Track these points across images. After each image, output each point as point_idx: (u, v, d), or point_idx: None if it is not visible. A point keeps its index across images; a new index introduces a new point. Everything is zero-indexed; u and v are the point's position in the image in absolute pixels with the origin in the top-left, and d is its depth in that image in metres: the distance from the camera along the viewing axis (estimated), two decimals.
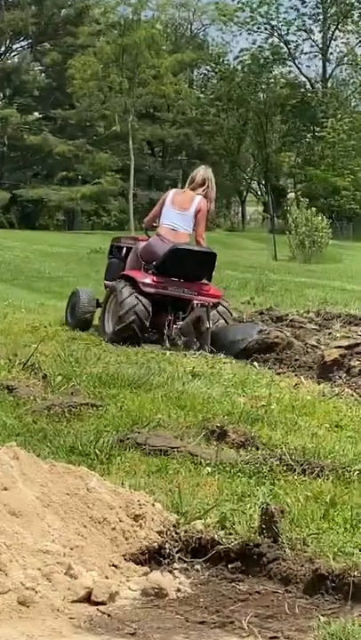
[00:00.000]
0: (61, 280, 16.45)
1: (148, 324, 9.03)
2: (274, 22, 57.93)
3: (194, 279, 9.36)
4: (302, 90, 59.42)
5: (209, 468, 4.67)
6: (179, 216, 9.52)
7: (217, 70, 61.67)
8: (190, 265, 9.29)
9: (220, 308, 9.29)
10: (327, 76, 60.41)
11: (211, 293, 9.35)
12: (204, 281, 9.49)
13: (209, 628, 3.14)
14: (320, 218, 32.20)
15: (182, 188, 10.03)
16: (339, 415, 6.08)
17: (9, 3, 54.27)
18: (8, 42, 55.15)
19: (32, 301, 12.39)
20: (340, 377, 7.51)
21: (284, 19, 57.98)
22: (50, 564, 3.33)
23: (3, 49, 55.65)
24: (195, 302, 8.98)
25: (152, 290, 9.12)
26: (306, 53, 63.18)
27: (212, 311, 8.99)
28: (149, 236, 9.83)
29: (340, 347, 7.96)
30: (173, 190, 10.06)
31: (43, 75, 56.66)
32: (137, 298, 8.99)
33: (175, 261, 9.23)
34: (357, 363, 7.78)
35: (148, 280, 9.15)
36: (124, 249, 10.31)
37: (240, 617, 3.17)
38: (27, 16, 51.11)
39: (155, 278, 9.20)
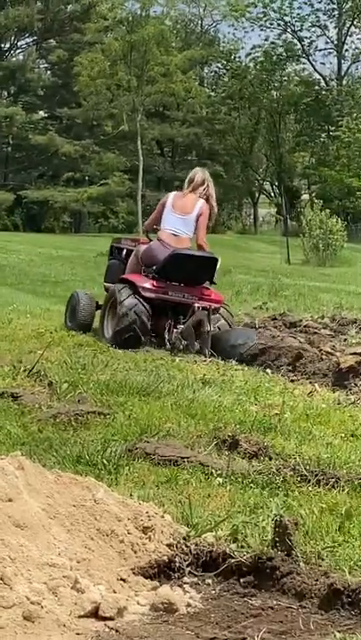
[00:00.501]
0: (67, 284, 16.35)
1: (148, 329, 9.04)
2: (287, 18, 57.60)
3: (194, 284, 9.37)
4: (317, 88, 58.92)
5: (220, 479, 4.58)
6: (180, 220, 9.52)
7: (228, 68, 61.56)
8: (191, 270, 9.29)
9: (221, 310, 9.34)
10: (342, 73, 59.92)
11: (212, 298, 9.35)
12: (206, 285, 9.50)
13: None
14: (335, 220, 32.07)
15: (169, 190, 10.00)
16: (355, 424, 5.98)
17: None
18: (13, 38, 55.06)
19: (37, 306, 12.33)
20: (356, 384, 7.40)
21: (298, 14, 57.62)
22: (56, 578, 3.26)
23: (7, 46, 55.59)
24: (196, 305, 8.99)
25: (152, 295, 9.16)
26: (320, 50, 62.90)
27: (214, 314, 9.02)
28: (150, 239, 9.78)
29: (355, 353, 7.85)
30: (173, 193, 10.00)
31: (48, 72, 56.45)
32: (137, 300, 9.03)
33: (176, 266, 9.23)
34: None
35: (148, 285, 9.18)
36: (125, 250, 10.32)
37: (253, 633, 3.08)
38: (32, 12, 51.01)
39: (155, 283, 9.22)
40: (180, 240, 9.48)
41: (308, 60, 59.56)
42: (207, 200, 9.64)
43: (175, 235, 9.49)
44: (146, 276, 9.32)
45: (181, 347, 8.78)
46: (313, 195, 56.04)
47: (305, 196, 62.91)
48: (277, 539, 3.59)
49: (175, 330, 8.98)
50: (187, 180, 9.88)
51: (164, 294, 9.21)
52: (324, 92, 57.89)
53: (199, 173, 9.85)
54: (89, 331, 9.79)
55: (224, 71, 63.48)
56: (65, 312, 10.39)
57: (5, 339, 8.98)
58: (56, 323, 10.46)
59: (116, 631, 3.09)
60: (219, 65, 64.53)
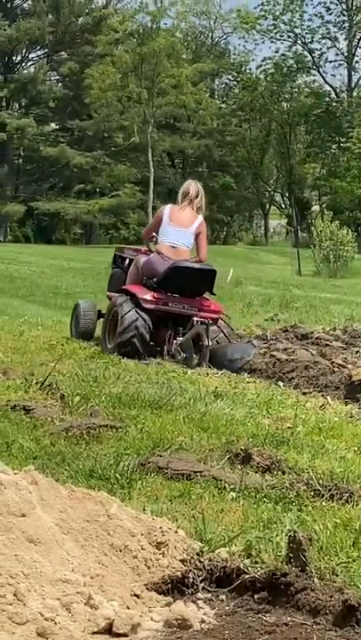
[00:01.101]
0: (78, 296, 16.30)
1: (148, 338, 9.21)
2: (298, 30, 57.76)
3: (194, 295, 9.53)
4: (327, 99, 58.89)
5: (233, 494, 4.55)
6: (179, 233, 9.68)
7: (239, 79, 61.66)
8: (190, 281, 9.47)
9: (220, 322, 9.52)
10: (353, 84, 59.89)
11: (211, 309, 9.53)
12: (205, 296, 9.69)
13: None
14: (345, 231, 32.03)
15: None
16: None
17: (25, 11, 54.50)
18: (24, 51, 55.23)
19: (48, 318, 12.34)
20: None
21: (309, 26, 57.76)
22: (69, 594, 3.23)
23: (19, 58, 55.79)
24: (195, 319, 9.10)
25: (152, 306, 9.31)
26: (331, 62, 63.19)
27: (213, 326, 9.14)
28: (151, 249, 9.87)
29: None
30: (169, 206, 10.10)
31: (59, 85, 56.60)
32: (137, 313, 9.18)
33: (175, 278, 9.40)
34: None
35: (148, 296, 9.33)
36: (128, 259, 10.46)
37: None
38: (43, 25, 51.18)
39: (155, 295, 9.37)
40: (179, 252, 9.65)
41: (319, 71, 59.69)
42: (198, 211, 9.83)
43: (174, 247, 9.64)
44: (146, 287, 9.48)
45: (180, 359, 8.92)
46: (324, 206, 56.03)
47: (316, 208, 62.90)
48: (291, 554, 3.56)
49: (175, 341, 9.16)
50: (181, 193, 10.01)
51: (165, 306, 9.38)
52: (334, 104, 57.89)
53: (193, 186, 9.99)
54: (92, 338, 9.98)
55: (235, 83, 63.60)
56: (70, 322, 10.60)
57: (17, 351, 8.97)
58: (67, 335, 10.48)
59: None
60: (229, 77, 64.68)
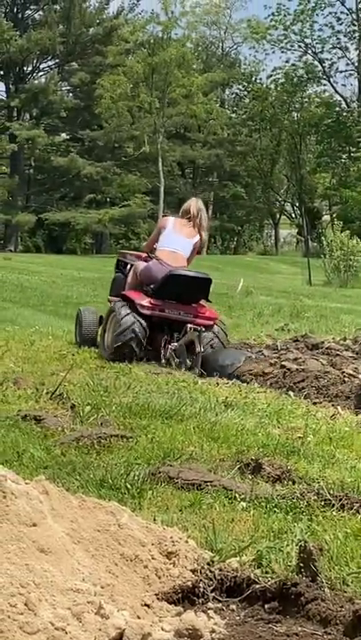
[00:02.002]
0: (89, 306, 16.37)
1: (144, 342, 9.46)
2: (308, 40, 57.94)
3: (190, 302, 9.77)
4: (337, 109, 59.00)
5: (244, 503, 4.54)
6: (180, 241, 10.04)
7: (249, 89, 61.84)
8: (186, 289, 9.71)
9: (215, 328, 9.74)
10: None
11: (207, 315, 9.77)
12: (202, 302, 9.93)
13: None
14: (356, 241, 32.03)
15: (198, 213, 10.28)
16: None
17: (36, 21, 54.73)
18: (35, 61, 55.52)
19: (59, 328, 12.33)
20: None
21: (319, 36, 57.95)
22: (80, 604, 3.22)
23: (30, 69, 56.07)
24: (188, 326, 9.33)
25: (149, 312, 9.58)
26: (341, 72, 63.26)
27: (208, 332, 9.46)
28: (150, 256, 10.12)
29: None
30: (172, 218, 10.47)
31: (70, 95, 56.81)
32: (134, 317, 9.46)
33: (172, 285, 9.64)
34: None
35: (145, 302, 9.60)
36: (129, 265, 10.69)
37: None
38: (54, 35, 51.41)
39: (152, 300, 9.64)
40: (178, 258, 9.96)
41: (329, 81, 59.84)
42: (199, 229, 10.16)
43: (174, 252, 9.97)
44: (144, 293, 9.74)
45: (174, 364, 9.13)
46: (334, 216, 56.00)
47: (326, 217, 62.92)
48: (302, 564, 3.56)
49: (169, 347, 9.40)
50: (182, 211, 10.37)
51: (161, 312, 9.64)
52: (345, 114, 57.95)
53: (193, 204, 10.33)
54: (95, 345, 10.16)
55: (245, 93, 63.78)
56: (75, 329, 10.83)
57: (28, 361, 8.98)
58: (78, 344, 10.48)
59: None
60: (240, 87, 64.88)
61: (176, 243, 10.02)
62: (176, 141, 56.63)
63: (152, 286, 9.74)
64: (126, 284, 10.24)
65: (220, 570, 3.65)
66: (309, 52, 58.44)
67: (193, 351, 9.16)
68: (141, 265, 10.06)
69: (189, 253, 10.12)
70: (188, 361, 9.13)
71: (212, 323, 9.73)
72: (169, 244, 10.02)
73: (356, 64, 59.59)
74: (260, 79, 62.32)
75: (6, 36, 50.60)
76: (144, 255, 10.41)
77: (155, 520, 4.07)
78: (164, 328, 9.64)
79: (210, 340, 9.53)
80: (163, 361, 9.32)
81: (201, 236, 10.17)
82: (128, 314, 9.47)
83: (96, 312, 10.65)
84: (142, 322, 9.46)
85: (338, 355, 10.08)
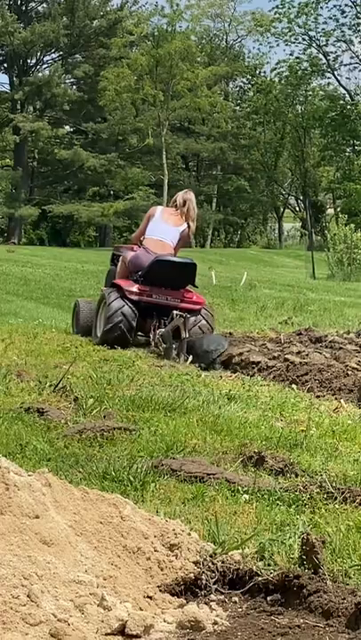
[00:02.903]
0: (92, 298, 16.38)
1: (134, 330, 9.90)
2: (312, 33, 57.57)
3: (176, 287, 10.14)
4: (342, 102, 58.65)
5: (246, 496, 4.55)
6: (167, 229, 10.41)
7: (253, 82, 61.70)
8: (172, 274, 10.08)
9: (202, 312, 10.14)
10: None
11: (194, 300, 10.18)
12: (189, 288, 10.30)
13: None
14: (359, 234, 31.98)
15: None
16: None
17: (40, 14, 54.62)
18: (39, 54, 55.35)
19: (62, 321, 12.34)
20: None
21: (323, 29, 57.52)
22: (82, 595, 3.23)
23: (33, 61, 55.94)
24: (174, 312, 9.62)
25: (137, 297, 9.98)
26: (345, 65, 63.03)
27: (196, 316, 9.89)
28: (138, 244, 10.60)
29: None
30: (161, 207, 11.09)
31: (74, 87, 56.61)
32: (123, 302, 9.88)
33: (159, 271, 10.04)
34: None
35: (134, 288, 10.01)
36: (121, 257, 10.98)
37: None
38: (58, 27, 51.28)
39: (140, 287, 10.03)
40: (165, 246, 10.32)
41: (334, 74, 59.57)
42: (187, 219, 10.53)
43: (161, 240, 10.34)
44: (133, 280, 10.14)
45: (162, 349, 9.48)
46: (338, 209, 55.89)
47: (330, 211, 62.83)
48: (304, 557, 3.57)
49: (157, 332, 9.73)
50: (172, 201, 10.90)
51: (149, 297, 10.03)
52: (349, 107, 57.69)
53: (181, 194, 10.73)
54: (90, 335, 10.38)
55: (249, 86, 63.66)
56: (72, 319, 11.21)
57: (31, 353, 8.99)
58: (81, 337, 10.49)
59: None
60: (244, 80, 64.77)
61: (163, 231, 10.37)
62: (180, 134, 56.55)
63: (140, 273, 10.11)
64: (117, 273, 10.62)
65: (223, 562, 3.66)
66: (314, 44, 58.24)
67: (179, 337, 9.42)
68: (129, 254, 10.45)
69: (176, 241, 10.42)
70: (174, 346, 9.39)
71: (198, 307, 10.10)
72: (156, 233, 10.39)
73: None
74: (265, 72, 62.31)
75: (10, 29, 50.49)
76: (136, 247, 10.70)
77: (157, 512, 4.08)
78: (153, 314, 9.94)
79: (198, 322, 9.93)
80: (152, 346, 9.68)
81: (189, 225, 10.50)
82: (117, 299, 9.88)
83: (93, 304, 10.88)
84: (131, 307, 9.84)
85: (341, 348, 10.08)
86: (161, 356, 9.37)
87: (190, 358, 9.25)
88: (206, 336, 9.84)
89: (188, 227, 10.51)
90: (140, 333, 10.13)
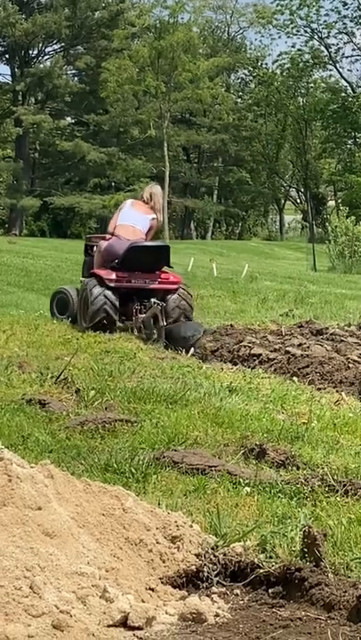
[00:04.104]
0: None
1: (117, 314, 10.29)
2: (314, 25, 57.31)
3: (152, 270, 10.61)
4: (343, 94, 58.45)
5: (248, 488, 4.55)
6: (138, 216, 10.91)
7: (255, 74, 61.57)
8: (147, 258, 10.56)
9: (180, 291, 10.58)
10: None
11: (171, 280, 10.64)
12: (165, 269, 10.75)
13: None
14: None
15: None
16: None
17: (42, 5, 54.48)
18: (40, 45, 55.31)
19: None
20: None
21: (325, 21, 57.25)
22: (85, 587, 3.24)
23: (35, 52, 55.88)
24: (152, 300, 10.13)
25: (117, 284, 10.39)
26: (347, 57, 62.75)
27: (174, 295, 10.43)
28: (111, 234, 11.03)
29: None
30: (131, 200, 11.53)
31: (75, 79, 56.52)
32: (105, 292, 10.27)
33: (134, 257, 10.47)
34: None
35: (113, 276, 10.41)
36: (95, 247, 11.40)
37: None
38: (60, 19, 51.20)
39: (118, 274, 10.44)
40: (136, 232, 10.81)
41: (335, 66, 59.37)
42: (154, 210, 11.07)
43: (133, 226, 10.83)
44: (111, 268, 10.54)
45: (143, 335, 9.93)
46: (339, 201, 55.84)
47: (331, 203, 62.76)
48: (306, 549, 3.57)
49: (138, 317, 10.23)
50: (140, 196, 11.41)
51: (128, 282, 10.47)
52: (350, 99, 57.53)
53: (147, 189, 11.39)
54: (76, 322, 10.77)
55: (250, 78, 63.55)
56: (50, 304, 11.67)
57: (32, 345, 8.98)
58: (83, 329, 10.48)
59: None
60: (245, 72, 64.59)
61: (134, 218, 10.89)
62: (181, 126, 56.47)
63: (116, 261, 10.55)
64: (94, 263, 11.02)
65: (225, 554, 3.66)
66: (315, 37, 58.01)
67: (157, 325, 9.97)
68: (103, 244, 10.91)
69: (147, 229, 10.92)
70: (154, 332, 9.89)
71: (175, 287, 10.59)
72: (127, 220, 10.89)
73: None
74: (266, 64, 62.11)
75: (12, 20, 50.42)
76: (108, 237, 11.13)
77: (159, 504, 4.08)
78: (133, 298, 10.42)
79: (178, 303, 10.41)
80: (135, 331, 10.12)
81: (157, 216, 11.03)
82: (98, 289, 10.29)
83: (76, 291, 11.32)
84: (112, 295, 10.28)
85: (342, 341, 10.07)
86: (160, 348, 9.54)
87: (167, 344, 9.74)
88: (184, 323, 10.33)
89: (157, 217, 11.04)
90: (123, 317, 10.50)
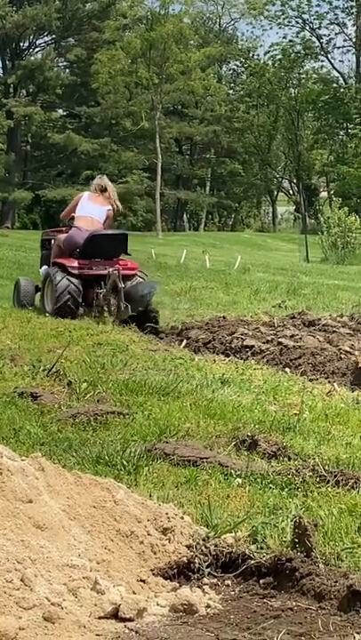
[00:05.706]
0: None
1: (80, 297, 10.95)
2: (305, 16, 57.31)
3: (112, 257, 11.30)
4: (335, 85, 58.43)
5: (239, 480, 4.56)
6: (95, 208, 11.60)
7: (247, 65, 61.48)
8: (107, 246, 11.29)
9: (137, 277, 11.23)
10: None
11: (129, 267, 11.37)
12: (122, 257, 11.49)
13: None
14: (353, 218, 31.95)
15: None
16: None
17: None
18: (31, 37, 55.02)
19: None
20: None
21: (316, 12, 57.19)
22: (76, 579, 3.25)
23: (26, 45, 55.60)
24: (109, 270, 10.89)
25: (79, 271, 11.05)
26: (339, 48, 62.57)
27: (133, 281, 11.03)
28: (70, 227, 11.72)
29: None
30: (88, 192, 12.02)
31: (67, 71, 56.24)
32: (68, 280, 10.94)
33: (94, 245, 11.17)
34: None
35: (75, 264, 11.09)
36: (52, 240, 12.09)
37: (272, 634, 3.06)
38: (50, 11, 50.93)
39: (80, 261, 11.12)
40: (94, 222, 11.47)
41: (327, 57, 59.34)
42: (110, 202, 11.78)
43: (91, 217, 11.50)
44: (72, 257, 11.21)
45: (105, 309, 10.67)
46: (332, 192, 55.84)
47: (323, 194, 62.75)
48: (297, 540, 3.58)
49: (100, 296, 10.92)
50: (94, 186, 11.98)
51: (89, 270, 11.14)
52: (342, 90, 57.54)
53: (98, 181, 12.03)
54: (31, 307, 11.60)
55: (242, 69, 63.44)
56: (12, 295, 12.34)
57: (25, 337, 8.98)
58: (75, 322, 10.48)
59: (136, 632, 3.08)
60: (237, 63, 64.48)
61: (91, 210, 11.58)
62: (173, 118, 56.34)
63: (78, 250, 11.21)
64: (52, 254, 11.65)
65: (216, 545, 3.67)
66: (307, 27, 57.99)
67: (116, 290, 10.68)
68: (62, 236, 11.59)
69: (104, 219, 11.58)
70: (114, 301, 10.65)
71: (133, 272, 11.27)
72: (85, 211, 11.56)
73: (354, 40, 59.14)
74: (258, 55, 61.99)
75: (2, 12, 50.21)
76: (65, 229, 11.87)
77: (150, 496, 4.09)
78: (94, 285, 11.05)
79: (134, 282, 11.05)
80: (95, 311, 10.81)
81: (112, 205, 11.75)
82: (62, 278, 10.94)
83: (33, 282, 12.18)
84: (75, 282, 10.95)
85: (335, 331, 10.09)
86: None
87: (129, 307, 10.50)
88: (140, 282, 11.09)
89: (113, 209, 11.76)
90: (82, 304, 11.11)
